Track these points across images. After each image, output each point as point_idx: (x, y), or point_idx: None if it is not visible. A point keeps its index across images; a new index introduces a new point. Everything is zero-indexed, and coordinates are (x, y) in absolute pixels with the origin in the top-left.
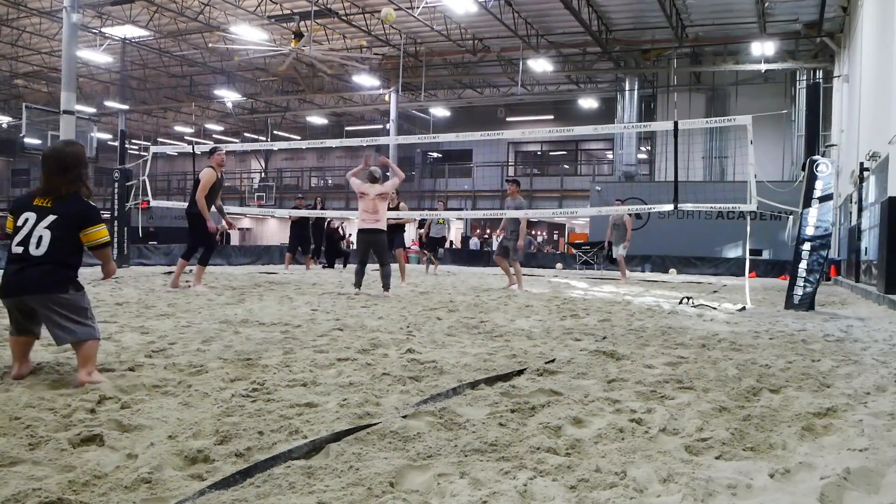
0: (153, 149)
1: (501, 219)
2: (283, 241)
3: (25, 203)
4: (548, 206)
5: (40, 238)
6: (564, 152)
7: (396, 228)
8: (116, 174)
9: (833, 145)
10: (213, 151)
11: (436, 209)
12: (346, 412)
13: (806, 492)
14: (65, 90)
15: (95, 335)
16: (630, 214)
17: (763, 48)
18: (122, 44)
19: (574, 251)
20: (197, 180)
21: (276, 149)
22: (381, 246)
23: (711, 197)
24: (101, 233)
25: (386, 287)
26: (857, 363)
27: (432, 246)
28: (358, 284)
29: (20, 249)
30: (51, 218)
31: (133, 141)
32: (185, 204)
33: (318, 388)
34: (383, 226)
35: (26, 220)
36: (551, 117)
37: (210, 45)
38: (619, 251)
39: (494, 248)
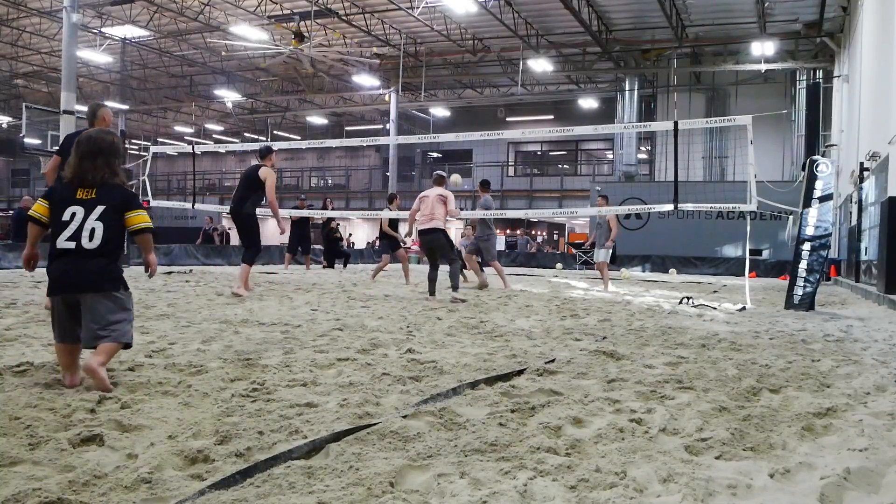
0: (153, 149)
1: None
2: (282, 241)
3: (67, 196)
4: (548, 206)
5: (93, 231)
6: (564, 152)
7: (396, 229)
8: None
9: (833, 145)
10: (269, 150)
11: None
12: (346, 412)
13: (806, 492)
14: (65, 90)
15: (128, 339)
16: (616, 215)
17: (763, 48)
18: (122, 44)
19: (574, 251)
20: (245, 182)
21: (275, 149)
22: (441, 244)
23: (711, 197)
24: (144, 217)
25: (454, 287)
26: (857, 363)
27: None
28: (431, 291)
29: (71, 244)
30: (100, 209)
31: (133, 141)
32: (187, 205)
33: (318, 388)
34: (440, 224)
35: (73, 214)
36: (551, 117)
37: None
38: (600, 256)
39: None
